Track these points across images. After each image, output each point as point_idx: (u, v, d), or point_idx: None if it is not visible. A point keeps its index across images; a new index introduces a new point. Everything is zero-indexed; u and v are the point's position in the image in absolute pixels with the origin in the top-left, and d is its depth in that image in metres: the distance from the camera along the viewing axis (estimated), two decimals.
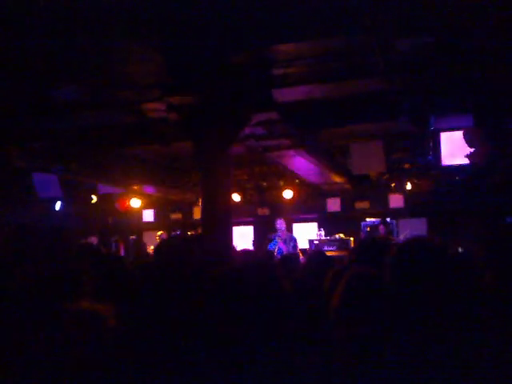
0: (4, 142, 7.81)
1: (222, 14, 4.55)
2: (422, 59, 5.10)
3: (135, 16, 4.47)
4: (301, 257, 8.89)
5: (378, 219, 10.99)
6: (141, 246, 13.26)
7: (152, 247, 10.86)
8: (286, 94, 6.05)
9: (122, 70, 5.53)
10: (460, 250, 8.35)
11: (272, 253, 8.89)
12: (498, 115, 6.87)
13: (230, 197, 6.65)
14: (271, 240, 9.52)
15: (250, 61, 5.29)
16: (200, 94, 5.65)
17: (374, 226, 10.75)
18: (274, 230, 9.68)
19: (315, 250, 9.73)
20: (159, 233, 11.73)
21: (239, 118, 6.02)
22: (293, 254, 7.76)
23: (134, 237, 13.63)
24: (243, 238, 12.89)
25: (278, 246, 9.26)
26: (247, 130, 6.74)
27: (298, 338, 1.74)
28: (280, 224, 9.47)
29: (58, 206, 11.59)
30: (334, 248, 10.16)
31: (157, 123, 6.94)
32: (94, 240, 10.08)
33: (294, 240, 9.48)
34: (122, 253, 13.05)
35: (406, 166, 10.35)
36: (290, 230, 11.08)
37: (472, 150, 7.11)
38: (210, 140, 6.09)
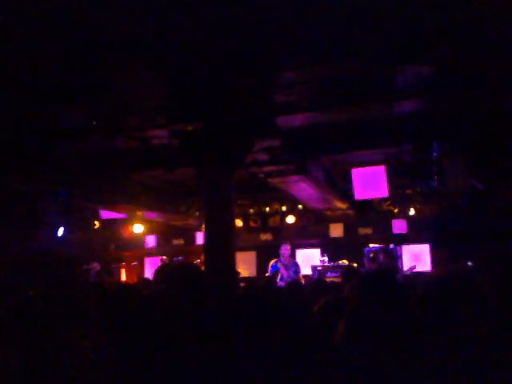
0: (8, 166, 7.84)
1: (226, 42, 4.61)
2: (424, 85, 5.15)
3: (143, 44, 4.53)
4: (303, 282, 8.81)
5: (381, 245, 10.90)
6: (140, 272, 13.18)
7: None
8: (289, 121, 6.09)
9: (128, 97, 5.58)
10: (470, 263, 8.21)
11: (271, 279, 8.82)
12: (500, 141, 6.89)
13: (233, 222, 6.63)
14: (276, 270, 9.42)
15: (253, 88, 5.34)
16: (204, 120, 5.69)
17: (376, 253, 10.65)
18: (278, 255, 9.62)
19: (317, 278, 9.61)
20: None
21: (242, 144, 6.06)
22: (295, 281, 7.68)
23: (135, 263, 13.55)
24: (246, 263, 12.80)
25: (280, 272, 9.19)
26: (250, 156, 6.77)
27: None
28: (284, 249, 9.41)
29: (60, 231, 11.56)
30: (338, 274, 10.05)
31: (160, 149, 6.98)
32: (96, 266, 10.01)
33: (296, 265, 9.40)
34: (124, 279, 12.96)
35: (409, 191, 10.34)
36: (293, 255, 10.99)
37: (474, 175, 7.11)
38: (213, 166, 6.11)
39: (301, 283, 7.05)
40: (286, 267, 9.24)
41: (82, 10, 4.09)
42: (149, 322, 2.45)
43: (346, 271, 6.70)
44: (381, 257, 10.12)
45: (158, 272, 3.11)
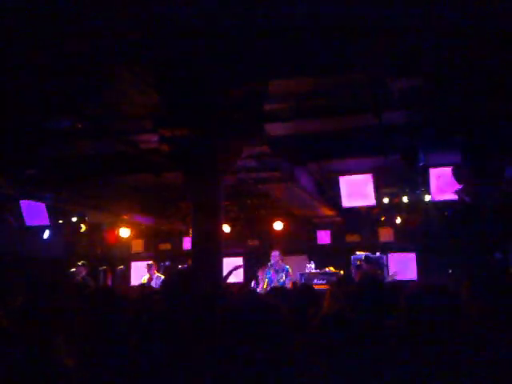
0: None
1: (216, 50, 4.63)
2: (412, 97, 5.20)
3: (132, 51, 4.53)
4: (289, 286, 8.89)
5: (368, 253, 10.96)
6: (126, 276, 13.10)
7: (144, 279, 10.62)
8: (277, 128, 6.12)
9: (117, 102, 5.58)
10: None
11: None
12: (486, 152, 6.97)
13: (221, 228, 6.63)
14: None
15: (242, 95, 5.36)
16: (193, 127, 5.70)
17: (360, 260, 10.70)
18: (264, 261, 9.74)
19: (303, 284, 9.68)
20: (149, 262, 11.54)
21: (231, 151, 6.06)
22: (276, 288, 7.74)
23: (122, 267, 13.46)
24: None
25: (269, 277, 9.39)
26: (238, 163, 6.77)
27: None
28: (272, 256, 9.55)
29: (46, 234, 11.46)
30: (324, 282, 10.10)
31: (148, 153, 6.97)
32: (82, 270, 9.92)
33: (286, 270, 9.51)
34: (110, 283, 12.86)
35: (396, 200, 10.42)
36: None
37: (460, 186, 7.18)
38: (202, 172, 6.11)
39: (284, 288, 7.03)
40: (276, 272, 9.43)
41: (71, 18, 4.09)
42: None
43: (344, 278, 6.74)
44: (363, 265, 10.19)
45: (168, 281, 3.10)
